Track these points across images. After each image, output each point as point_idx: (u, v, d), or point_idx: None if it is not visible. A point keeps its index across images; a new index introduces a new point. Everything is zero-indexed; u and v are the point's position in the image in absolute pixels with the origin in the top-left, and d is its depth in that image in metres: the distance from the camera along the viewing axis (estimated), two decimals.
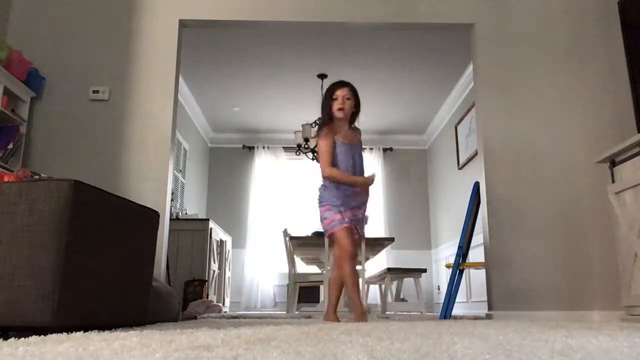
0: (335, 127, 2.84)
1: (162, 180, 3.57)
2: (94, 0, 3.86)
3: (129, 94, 3.70)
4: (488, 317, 3.46)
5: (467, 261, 3.94)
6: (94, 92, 3.69)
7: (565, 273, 3.44)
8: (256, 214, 7.75)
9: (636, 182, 2.69)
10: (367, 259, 4.88)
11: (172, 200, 4.14)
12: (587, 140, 3.62)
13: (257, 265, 7.58)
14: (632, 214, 2.73)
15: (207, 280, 5.21)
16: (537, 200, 3.56)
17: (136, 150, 3.61)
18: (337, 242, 2.76)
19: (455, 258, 3.73)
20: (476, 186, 3.79)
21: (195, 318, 3.39)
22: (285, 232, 5.02)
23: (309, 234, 5.04)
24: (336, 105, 2.80)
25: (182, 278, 5.06)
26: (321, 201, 2.83)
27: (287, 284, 5.50)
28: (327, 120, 2.85)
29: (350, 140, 2.85)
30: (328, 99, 2.83)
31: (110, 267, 1.84)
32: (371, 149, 7.97)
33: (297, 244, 4.91)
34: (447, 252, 6.88)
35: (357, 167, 2.85)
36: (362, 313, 2.70)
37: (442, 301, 3.78)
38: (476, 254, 4.95)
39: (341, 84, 2.87)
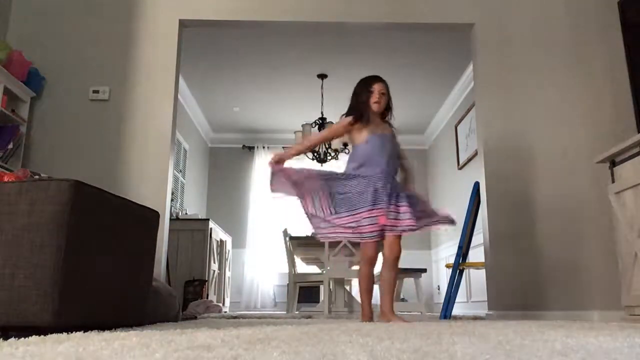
0: (370, 119, 2.78)
1: (162, 180, 3.57)
2: (94, 0, 3.86)
3: (129, 94, 3.70)
4: (488, 317, 3.46)
5: (467, 261, 3.94)
6: (94, 92, 3.69)
7: (565, 273, 3.44)
8: (256, 214, 7.75)
9: (636, 182, 2.69)
10: None
11: (172, 200, 4.14)
12: (587, 140, 3.62)
13: (257, 265, 7.58)
14: (632, 214, 2.73)
15: (207, 280, 5.21)
16: (536, 200, 3.56)
17: (136, 150, 3.61)
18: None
19: (455, 258, 3.73)
20: (476, 186, 3.79)
21: (195, 318, 3.39)
22: (285, 232, 5.02)
23: (309, 234, 5.04)
24: (373, 99, 2.76)
25: (182, 278, 5.05)
26: None
27: (287, 284, 5.50)
28: (361, 111, 2.77)
29: (382, 131, 2.78)
30: (365, 91, 2.78)
31: (110, 267, 1.84)
32: None
33: (297, 244, 4.91)
34: (447, 252, 6.88)
35: (390, 156, 2.73)
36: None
37: (442, 301, 3.78)
38: (476, 254, 4.95)
39: (378, 78, 2.83)
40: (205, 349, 0.97)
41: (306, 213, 2.72)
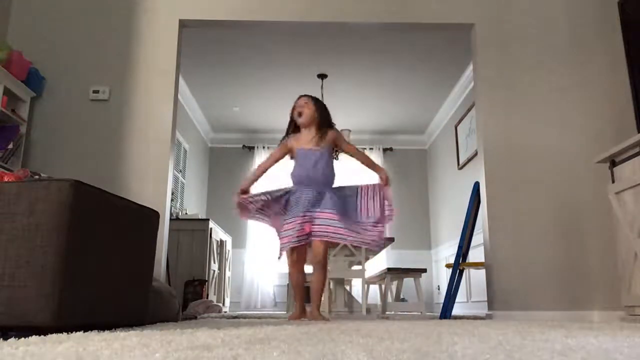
0: (301, 135, 3.07)
1: (162, 180, 3.57)
2: (94, 0, 3.86)
3: (129, 94, 3.70)
4: (488, 317, 3.46)
5: (467, 261, 3.94)
6: (94, 92, 3.69)
7: (565, 273, 3.44)
8: None
9: (636, 182, 2.69)
10: (367, 259, 4.88)
11: (172, 200, 4.14)
12: (587, 140, 3.62)
13: (257, 265, 7.57)
14: (632, 214, 2.73)
15: (207, 280, 5.21)
16: (537, 200, 3.56)
17: (136, 150, 3.61)
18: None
19: (455, 258, 3.73)
20: (476, 186, 3.79)
21: (195, 318, 3.39)
22: None
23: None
24: (296, 111, 3.06)
25: (182, 278, 5.05)
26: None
27: (287, 284, 5.50)
28: (290, 131, 3.12)
29: (312, 147, 3.02)
30: (291, 112, 3.10)
31: (110, 267, 1.84)
32: (371, 148, 7.97)
33: None
34: (447, 252, 6.88)
35: (320, 171, 2.96)
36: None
37: (442, 301, 3.78)
38: (476, 254, 4.95)
39: (303, 95, 3.13)
40: (205, 349, 0.97)
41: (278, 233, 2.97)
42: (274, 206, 2.96)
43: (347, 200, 2.92)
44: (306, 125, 3.05)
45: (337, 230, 2.79)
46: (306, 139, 3.03)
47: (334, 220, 2.80)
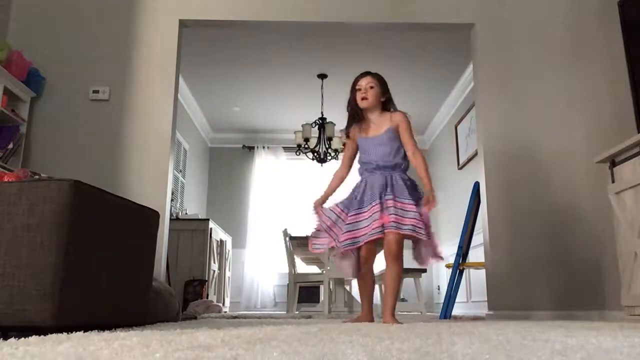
0: (365, 120, 2.72)
1: (162, 180, 3.57)
2: (94, 0, 3.86)
3: (129, 94, 3.70)
4: (488, 317, 3.46)
5: (467, 261, 3.94)
6: (94, 92, 3.69)
7: (565, 273, 3.44)
8: (256, 214, 7.75)
9: (636, 182, 2.69)
10: None
11: (172, 200, 4.14)
12: (587, 140, 3.62)
13: (257, 265, 7.57)
14: (632, 214, 2.73)
15: (207, 280, 5.21)
16: (536, 200, 3.56)
17: (136, 150, 3.60)
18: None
19: (455, 258, 3.73)
20: (476, 186, 3.79)
21: (195, 318, 3.39)
22: (285, 232, 5.02)
23: (309, 234, 5.03)
24: (359, 96, 2.68)
25: (182, 278, 5.05)
26: None
27: (287, 284, 5.50)
28: (351, 117, 2.75)
29: (374, 133, 2.69)
30: (353, 92, 2.72)
31: (110, 267, 1.84)
32: None
33: (297, 244, 4.91)
34: (447, 252, 6.86)
35: (378, 157, 2.64)
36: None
37: (442, 301, 3.78)
38: (476, 254, 4.94)
39: (364, 74, 2.73)
40: (205, 349, 0.97)
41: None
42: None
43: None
44: (370, 109, 2.70)
45: (417, 223, 2.52)
46: (368, 126, 2.70)
47: (413, 212, 2.55)
